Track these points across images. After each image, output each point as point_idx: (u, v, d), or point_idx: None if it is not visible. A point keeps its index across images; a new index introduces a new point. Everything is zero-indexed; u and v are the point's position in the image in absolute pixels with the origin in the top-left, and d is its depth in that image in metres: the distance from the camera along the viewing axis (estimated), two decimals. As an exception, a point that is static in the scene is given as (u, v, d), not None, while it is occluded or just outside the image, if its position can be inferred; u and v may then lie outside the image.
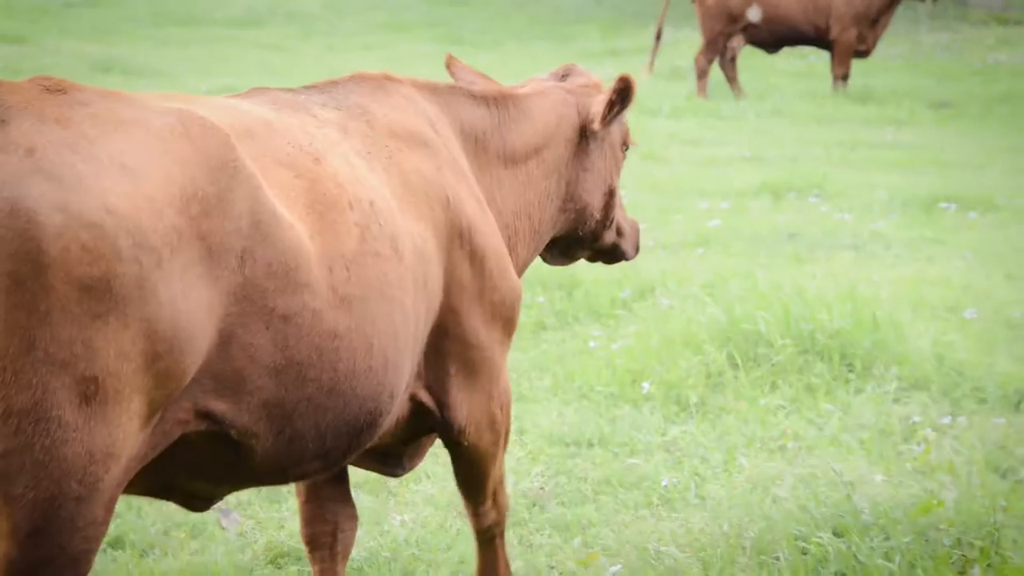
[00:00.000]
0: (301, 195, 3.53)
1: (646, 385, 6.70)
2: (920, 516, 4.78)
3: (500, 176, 4.45)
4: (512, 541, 5.11)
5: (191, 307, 3.16)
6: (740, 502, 5.28)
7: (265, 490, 5.56)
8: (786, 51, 18.30)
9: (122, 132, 3.13)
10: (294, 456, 3.59)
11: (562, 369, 6.95)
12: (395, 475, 4.40)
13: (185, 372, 3.18)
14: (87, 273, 2.96)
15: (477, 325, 4.09)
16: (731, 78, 16.90)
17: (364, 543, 5.13)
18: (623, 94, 4.56)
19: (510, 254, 4.42)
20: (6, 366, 2.91)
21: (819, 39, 16.56)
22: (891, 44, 21.64)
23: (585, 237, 4.81)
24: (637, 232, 5.03)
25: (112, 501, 3.13)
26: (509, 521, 5.20)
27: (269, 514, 5.39)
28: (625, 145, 4.84)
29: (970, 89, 17.21)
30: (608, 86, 4.64)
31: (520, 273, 4.58)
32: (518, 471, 5.80)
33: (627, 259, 5.03)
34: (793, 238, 9.83)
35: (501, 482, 4.43)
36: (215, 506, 4.96)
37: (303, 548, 4.50)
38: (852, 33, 16.29)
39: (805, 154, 13.01)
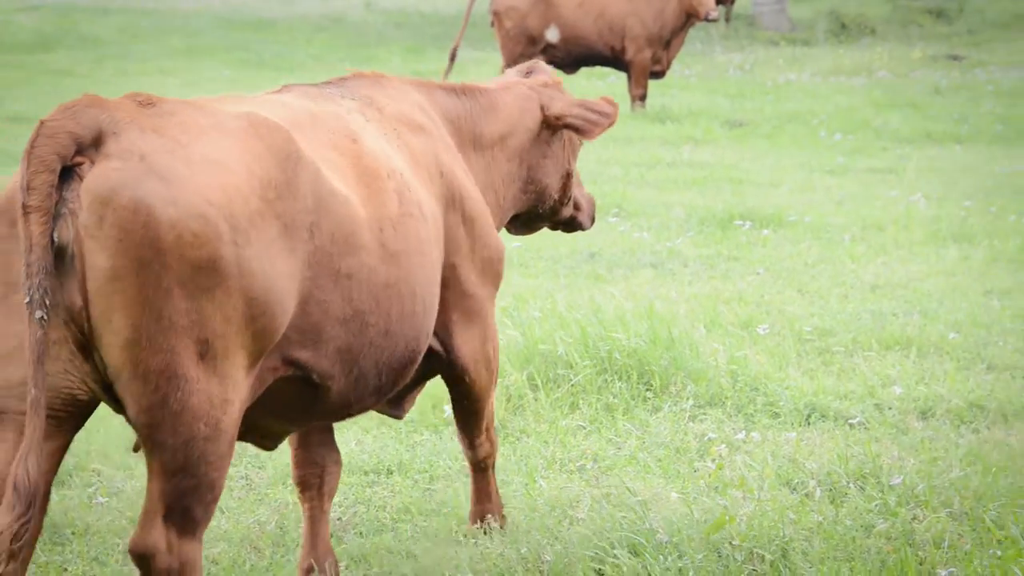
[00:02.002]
0: (349, 170, 4.21)
1: (448, 409, 6.65)
2: (712, 532, 4.84)
3: (470, 157, 5.12)
4: (309, 575, 5.01)
5: (277, 275, 3.82)
6: (539, 525, 5.27)
7: None
8: (586, 72, 18.53)
9: (206, 136, 3.78)
10: (359, 392, 4.29)
11: (362, 396, 6.86)
12: (398, 417, 4.99)
13: (277, 329, 3.86)
14: (197, 255, 3.63)
15: (472, 278, 4.79)
16: (532, 99, 17.02)
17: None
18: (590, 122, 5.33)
19: None
20: (143, 335, 3.59)
21: (615, 60, 16.81)
22: (687, 64, 22.13)
23: (544, 213, 5.51)
24: (593, 205, 5.73)
25: (233, 438, 3.82)
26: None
27: None
28: None
29: (762, 108, 17.66)
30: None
31: None
32: (315, 503, 5.69)
33: (583, 229, 5.76)
34: (593, 257, 9.93)
35: (491, 419, 5.14)
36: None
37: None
38: (647, 54, 16.58)
39: (605, 174, 13.18)
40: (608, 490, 5.58)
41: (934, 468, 5.74)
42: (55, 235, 3.55)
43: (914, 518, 5.30)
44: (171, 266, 3.59)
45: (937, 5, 29.37)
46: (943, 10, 28.72)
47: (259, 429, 4.32)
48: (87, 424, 3.89)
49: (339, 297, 4.05)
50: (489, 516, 5.30)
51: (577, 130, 5.35)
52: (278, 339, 3.89)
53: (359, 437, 6.41)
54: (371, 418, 6.64)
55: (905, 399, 6.71)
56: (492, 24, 17.21)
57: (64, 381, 3.69)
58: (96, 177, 3.59)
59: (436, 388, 6.83)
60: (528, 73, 5.49)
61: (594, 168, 13.36)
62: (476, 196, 4.86)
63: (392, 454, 6.16)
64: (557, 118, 5.30)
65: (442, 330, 4.75)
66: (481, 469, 5.24)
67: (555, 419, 6.54)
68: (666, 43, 16.70)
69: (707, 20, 16.50)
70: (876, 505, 5.39)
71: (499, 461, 6.07)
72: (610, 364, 6.90)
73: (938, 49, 23.29)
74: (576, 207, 5.61)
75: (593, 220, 5.74)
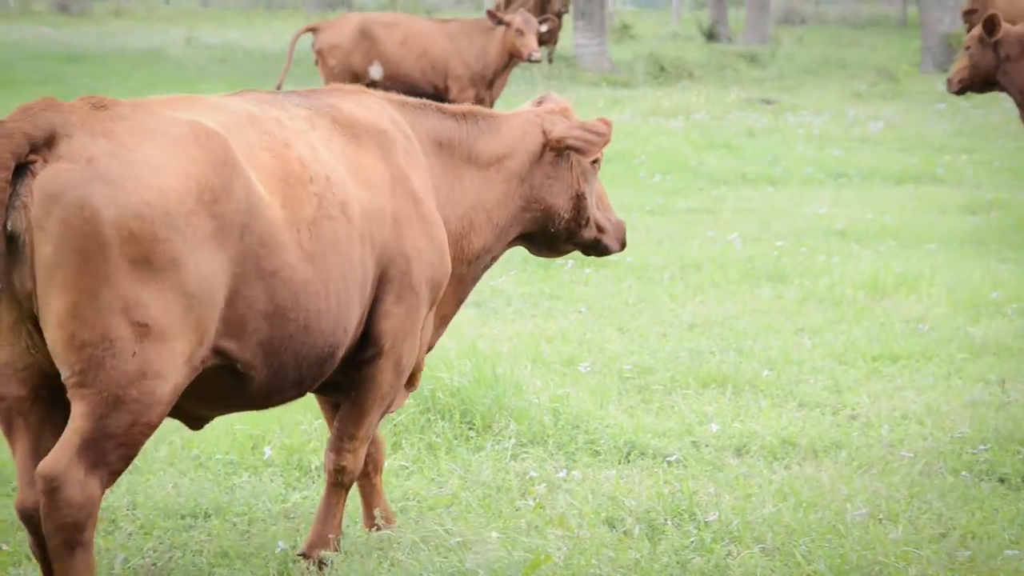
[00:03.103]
0: (276, 172, 4.57)
1: (268, 451, 6.56)
2: (529, 573, 4.85)
3: (463, 175, 5.43)
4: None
5: (210, 270, 4.23)
6: (358, 569, 5.22)
7: None
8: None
9: (151, 140, 4.19)
10: (279, 384, 4.66)
11: (179, 438, 6.70)
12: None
13: (211, 319, 4.27)
14: (135, 251, 4.08)
15: (420, 276, 5.06)
16: (355, 137, 16.96)
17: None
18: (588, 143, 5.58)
19: (463, 240, 5.45)
20: (77, 314, 4.04)
21: (439, 98, 16.88)
22: (510, 104, 22.26)
23: (559, 233, 5.73)
24: (622, 230, 5.93)
25: (165, 410, 4.25)
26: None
27: None
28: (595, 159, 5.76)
29: (584, 148, 17.87)
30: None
31: (480, 255, 5.53)
32: (129, 547, 5.54)
33: (611, 252, 5.94)
34: (416, 296, 9.89)
35: (367, 440, 5.25)
36: None
37: None
38: (470, 93, 16.69)
39: (428, 212, 13.17)
40: (429, 532, 5.56)
41: (748, 504, 5.87)
42: (8, 224, 4.00)
43: (728, 554, 5.41)
44: (110, 258, 4.04)
45: (751, 51, 30.26)
46: (756, 55, 29.58)
47: (184, 410, 4.65)
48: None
49: (263, 293, 4.43)
50: (318, 551, 5.25)
51: (577, 150, 5.59)
52: (213, 329, 4.28)
53: (176, 480, 6.28)
54: (188, 460, 6.51)
55: (721, 436, 6.84)
56: (316, 62, 17.15)
57: (31, 358, 4.19)
58: (47, 176, 4.03)
59: (255, 428, 6.75)
60: (540, 102, 5.83)
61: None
62: (431, 206, 5.17)
63: (210, 497, 6.04)
64: (558, 140, 5.58)
65: (374, 314, 4.99)
66: (337, 484, 5.25)
67: (377, 459, 6.49)
68: (489, 83, 16.85)
69: (529, 60, 16.69)
70: (692, 541, 5.48)
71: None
72: (433, 403, 6.89)
73: (752, 93, 23.93)
74: (600, 229, 5.82)
75: (623, 244, 5.94)
